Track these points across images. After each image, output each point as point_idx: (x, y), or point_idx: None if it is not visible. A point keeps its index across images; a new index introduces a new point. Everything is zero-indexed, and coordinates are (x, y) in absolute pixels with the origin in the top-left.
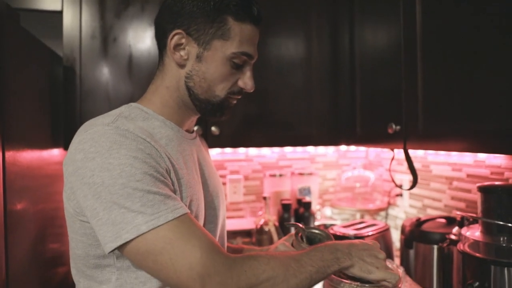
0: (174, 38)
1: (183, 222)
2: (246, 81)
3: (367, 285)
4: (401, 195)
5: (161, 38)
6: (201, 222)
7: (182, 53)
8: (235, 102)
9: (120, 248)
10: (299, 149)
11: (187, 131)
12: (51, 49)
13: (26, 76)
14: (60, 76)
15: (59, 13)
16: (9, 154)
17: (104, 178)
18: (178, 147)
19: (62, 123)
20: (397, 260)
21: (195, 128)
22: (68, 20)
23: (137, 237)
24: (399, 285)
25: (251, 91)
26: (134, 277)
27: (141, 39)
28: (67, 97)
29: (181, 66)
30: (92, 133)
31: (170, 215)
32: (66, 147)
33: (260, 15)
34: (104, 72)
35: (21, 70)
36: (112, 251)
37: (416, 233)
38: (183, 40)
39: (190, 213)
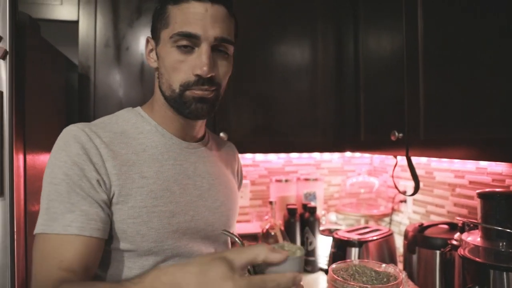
0: (147, 45)
1: (46, 239)
2: (197, 66)
3: (369, 285)
4: (405, 201)
5: None
6: (173, 233)
7: (152, 55)
8: (202, 93)
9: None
10: (304, 155)
11: (190, 138)
12: (67, 57)
13: (45, 83)
14: (75, 82)
15: (75, 23)
16: (30, 158)
17: (46, 173)
18: (158, 156)
19: None
20: (400, 265)
21: (221, 134)
22: (84, 29)
23: (36, 233)
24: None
25: (206, 75)
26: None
27: None
28: (82, 103)
29: (156, 69)
30: (64, 130)
31: (60, 229)
32: None
33: None
34: (117, 79)
35: (41, 78)
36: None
37: (419, 239)
38: (150, 45)
39: (81, 236)
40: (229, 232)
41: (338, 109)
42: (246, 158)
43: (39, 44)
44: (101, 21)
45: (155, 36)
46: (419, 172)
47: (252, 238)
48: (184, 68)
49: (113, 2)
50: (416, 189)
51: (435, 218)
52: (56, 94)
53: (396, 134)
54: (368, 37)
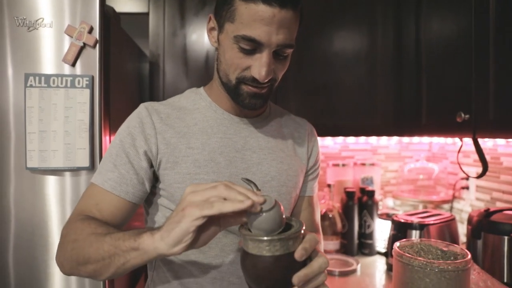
0: (210, 22)
1: (99, 190)
2: (255, 70)
3: (436, 269)
4: (467, 188)
5: None
6: None
7: (214, 35)
8: (258, 91)
9: None
10: (361, 140)
11: (248, 114)
12: (139, 47)
13: (124, 71)
14: (146, 70)
15: (146, 15)
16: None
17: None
18: (212, 129)
19: None
20: None
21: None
22: (154, 20)
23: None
24: (469, 264)
25: (263, 81)
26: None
27: None
28: (152, 89)
29: (216, 49)
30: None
31: (99, 181)
32: None
33: None
34: (184, 66)
35: (121, 66)
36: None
37: (484, 224)
38: (212, 23)
39: (113, 193)
40: (248, 180)
41: (397, 93)
42: None
43: (120, 35)
44: (169, 12)
45: (219, 20)
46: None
47: None
48: (243, 65)
49: None
50: (484, 170)
51: (501, 205)
52: (131, 82)
53: (462, 115)
54: (431, 19)
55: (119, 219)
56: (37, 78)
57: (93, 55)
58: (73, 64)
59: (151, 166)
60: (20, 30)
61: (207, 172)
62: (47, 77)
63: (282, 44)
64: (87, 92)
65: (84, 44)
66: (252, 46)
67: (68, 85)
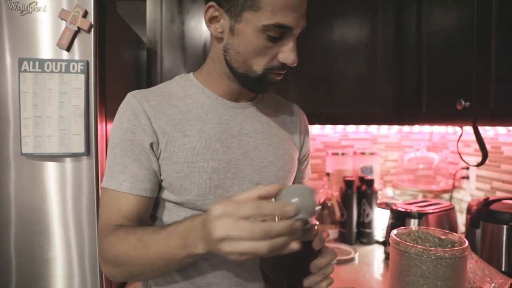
0: (209, 10)
1: (117, 195)
2: (286, 56)
3: (433, 256)
4: (467, 177)
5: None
6: (205, 185)
7: (217, 26)
8: (279, 78)
9: None
10: (361, 129)
11: (240, 99)
12: (137, 34)
13: (120, 57)
14: (143, 57)
15: (143, 1)
16: (110, 126)
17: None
18: (203, 116)
19: None
20: None
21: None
22: (151, 5)
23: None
24: (466, 252)
25: (294, 65)
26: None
27: None
28: (149, 75)
29: (219, 39)
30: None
31: (114, 186)
32: None
33: None
34: (182, 52)
35: (117, 52)
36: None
37: (483, 213)
38: (217, 13)
39: (128, 194)
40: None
41: (398, 82)
42: None
43: (116, 20)
44: None
45: (230, 8)
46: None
47: None
48: (270, 54)
49: None
50: (484, 158)
51: (501, 195)
52: (129, 68)
53: (463, 103)
54: (432, 8)
55: (143, 216)
56: (31, 63)
57: (88, 40)
58: (68, 49)
59: (156, 156)
60: (13, 14)
61: (206, 159)
62: (41, 62)
63: (303, 28)
64: (82, 77)
65: (79, 28)
66: (281, 34)
67: (63, 70)
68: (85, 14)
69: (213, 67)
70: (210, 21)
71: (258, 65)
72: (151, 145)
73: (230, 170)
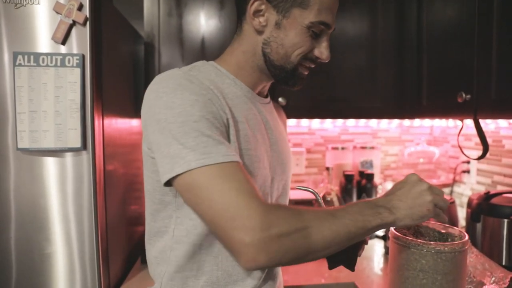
0: (254, 4)
1: (230, 167)
2: (322, 51)
3: (433, 250)
4: (468, 171)
5: (240, 4)
6: (257, 178)
7: (261, 19)
8: (307, 72)
9: (173, 180)
10: (361, 123)
11: (259, 94)
12: (134, 27)
13: (117, 50)
14: (141, 52)
15: None
16: (106, 121)
17: (167, 115)
18: (244, 105)
19: (142, 96)
20: None
21: (280, 99)
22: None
23: (187, 171)
24: (466, 245)
25: (327, 61)
26: (189, 218)
27: (212, 15)
28: (147, 70)
29: (259, 32)
30: (164, 76)
31: (220, 158)
32: None
33: None
34: (180, 47)
35: (114, 45)
36: (167, 183)
37: (484, 207)
38: (263, 7)
39: (240, 164)
40: (304, 187)
41: (398, 75)
42: (302, 126)
43: (112, 13)
44: None
45: (280, 5)
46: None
47: (307, 204)
48: (309, 48)
49: None
50: (485, 151)
51: (502, 189)
52: (126, 63)
53: (464, 95)
54: (433, 1)
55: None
56: (26, 56)
57: (84, 33)
58: (63, 43)
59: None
60: (7, 7)
61: (255, 148)
62: (36, 55)
63: (335, 27)
64: (77, 71)
65: (74, 21)
66: (321, 31)
67: (58, 64)
68: (80, 7)
69: (245, 60)
70: (254, 14)
71: (295, 57)
72: (227, 121)
73: (264, 160)
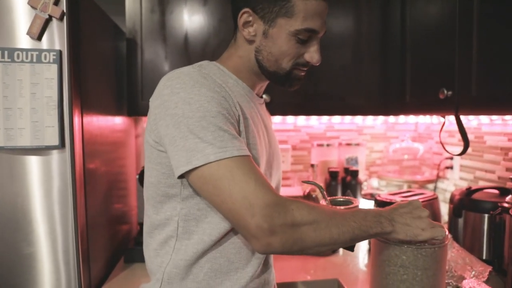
0: (243, 16)
1: (244, 160)
2: (312, 55)
3: (413, 246)
4: (451, 167)
5: (234, 14)
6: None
7: (250, 29)
8: (303, 74)
9: (189, 172)
10: (346, 120)
11: (257, 94)
12: (116, 23)
13: (97, 47)
14: (123, 49)
15: None
16: (86, 119)
17: (185, 110)
18: (247, 104)
19: (125, 93)
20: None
21: (264, 96)
22: None
23: (205, 164)
24: (446, 241)
25: (317, 64)
26: (197, 208)
27: (195, 12)
28: (130, 67)
29: (250, 41)
30: (179, 73)
31: (236, 152)
32: (129, 115)
33: None
34: (163, 43)
35: (93, 41)
36: (181, 176)
37: (466, 202)
38: (251, 18)
39: (251, 157)
40: (312, 181)
41: (382, 72)
42: (288, 123)
43: (91, 8)
44: None
45: (265, 15)
46: (468, 137)
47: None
48: (298, 54)
49: None
50: (466, 147)
51: (484, 184)
52: (107, 59)
53: (445, 92)
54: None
55: None
56: (0, 52)
57: (61, 29)
58: (39, 38)
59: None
60: None
61: (259, 143)
62: (11, 51)
63: (325, 32)
64: (54, 67)
65: (50, 16)
66: (308, 37)
67: (34, 60)
68: (57, 2)
69: (242, 64)
70: (244, 25)
71: (286, 63)
72: (238, 117)
73: (264, 156)
